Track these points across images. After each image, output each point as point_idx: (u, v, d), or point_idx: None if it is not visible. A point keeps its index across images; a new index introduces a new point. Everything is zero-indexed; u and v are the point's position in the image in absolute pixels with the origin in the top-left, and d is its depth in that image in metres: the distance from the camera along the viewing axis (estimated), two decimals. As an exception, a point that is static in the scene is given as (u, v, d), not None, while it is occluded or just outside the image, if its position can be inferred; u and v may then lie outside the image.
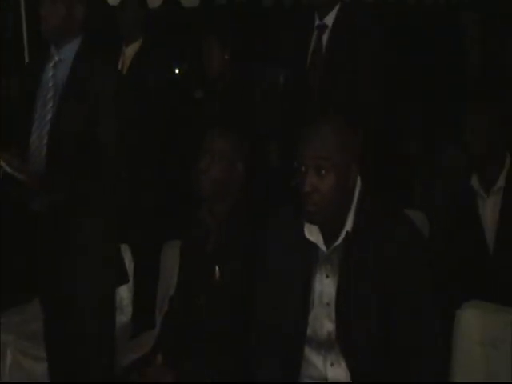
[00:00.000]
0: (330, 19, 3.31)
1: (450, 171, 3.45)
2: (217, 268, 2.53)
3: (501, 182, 2.76)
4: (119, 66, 3.75)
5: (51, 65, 2.72)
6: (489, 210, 2.78)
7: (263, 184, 3.41)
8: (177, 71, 4.57)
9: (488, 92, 3.45)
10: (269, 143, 3.67)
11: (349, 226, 2.08)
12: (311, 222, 2.09)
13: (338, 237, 2.08)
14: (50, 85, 2.71)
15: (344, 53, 3.26)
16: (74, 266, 2.64)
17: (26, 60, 3.91)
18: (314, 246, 2.12)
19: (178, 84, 4.13)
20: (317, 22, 3.33)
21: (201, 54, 3.92)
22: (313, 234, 2.11)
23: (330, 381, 2.13)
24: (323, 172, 2.02)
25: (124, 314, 3.26)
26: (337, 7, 3.31)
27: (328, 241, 2.10)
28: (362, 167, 2.14)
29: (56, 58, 2.72)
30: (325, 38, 3.33)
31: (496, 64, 3.79)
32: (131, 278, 3.21)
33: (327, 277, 2.11)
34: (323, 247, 2.11)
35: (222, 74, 3.85)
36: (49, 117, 2.68)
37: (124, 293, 3.26)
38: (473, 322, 2.39)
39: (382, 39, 3.33)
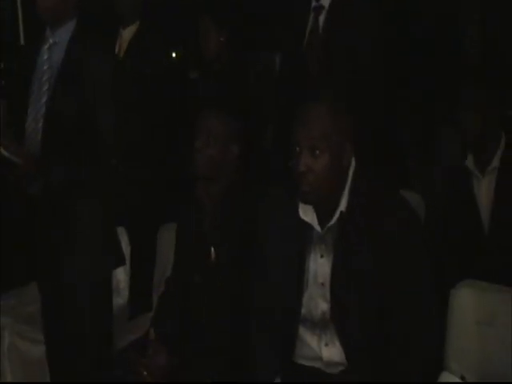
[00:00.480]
0: (326, 0, 3.29)
1: (446, 152, 3.45)
2: (212, 249, 2.54)
3: (495, 162, 2.76)
4: (116, 49, 3.73)
5: (46, 47, 2.71)
6: (484, 189, 2.78)
7: (259, 165, 3.41)
8: (174, 55, 4.55)
9: (486, 71, 3.44)
10: (265, 125, 3.66)
11: (343, 205, 2.08)
12: (306, 202, 2.09)
13: (332, 217, 2.09)
14: (45, 67, 2.70)
15: (341, 33, 3.25)
16: (70, 248, 2.64)
17: (22, 43, 3.90)
18: (308, 227, 2.13)
19: (175, 67, 4.11)
20: (313, 4, 3.31)
21: (198, 37, 3.91)
22: (307, 214, 2.12)
23: (324, 360, 2.14)
24: (317, 152, 2.03)
25: (121, 296, 3.27)
26: None
27: (322, 221, 2.11)
28: (357, 148, 2.14)
29: (51, 41, 2.71)
30: (321, 19, 3.32)
31: (495, 44, 3.78)
32: (128, 261, 3.22)
33: (322, 257, 2.12)
34: (317, 227, 2.12)
35: (218, 56, 3.84)
36: (44, 100, 2.67)
37: (121, 275, 3.28)
38: (468, 301, 2.40)
39: (378, 19, 3.31)
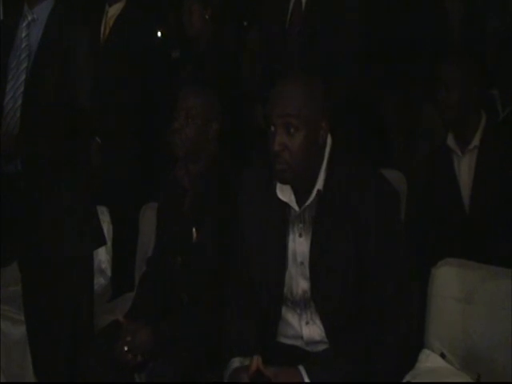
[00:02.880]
0: None
1: (427, 130, 3.45)
2: (194, 229, 2.53)
3: (476, 141, 2.76)
4: (102, 26, 3.70)
5: (25, 24, 2.68)
6: (464, 168, 2.78)
7: (238, 144, 3.41)
8: (159, 34, 4.51)
9: (466, 48, 3.44)
10: (253, 103, 3.64)
11: (320, 184, 2.07)
12: (282, 181, 2.08)
13: (309, 195, 2.08)
14: (24, 45, 2.67)
15: (323, 11, 3.24)
16: (50, 228, 2.62)
17: (1, 18, 3.84)
18: (286, 206, 2.12)
19: (159, 46, 4.07)
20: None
21: (180, 14, 3.88)
22: (285, 193, 2.11)
23: (305, 339, 2.15)
24: (292, 130, 2.01)
25: (103, 276, 3.27)
26: None
27: (300, 200, 2.10)
28: (338, 126, 2.13)
29: (29, 18, 2.68)
30: None
31: (477, 21, 3.77)
32: (109, 241, 3.21)
33: (300, 236, 2.11)
34: (295, 206, 2.11)
35: (202, 34, 3.81)
36: (23, 78, 2.64)
37: (103, 255, 3.27)
38: (448, 279, 2.40)
39: None
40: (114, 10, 3.72)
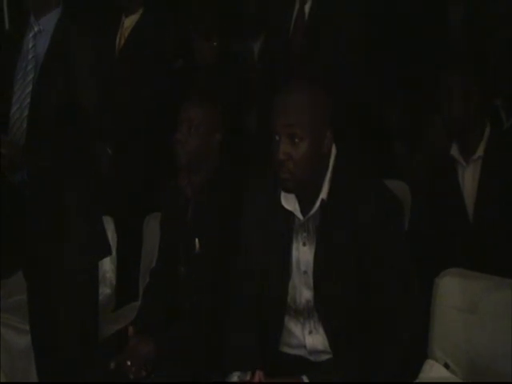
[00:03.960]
0: None
1: (432, 140, 3.45)
2: (196, 240, 2.54)
3: (480, 151, 2.76)
4: (117, 37, 3.73)
5: (31, 35, 2.71)
6: (468, 178, 2.78)
7: (241, 153, 3.42)
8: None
9: (471, 58, 3.44)
10: (247, 113, 3.67)
11: (324, 193, 2.07)
12: (286, 190, 2.09)
13: (314, 204, 2.08)
14: (30, 56, 2.69)
15: (326, 22, 3.25)
16: (56, 238, 2.63)
17: (6, 28, 3.87)
18: (290, 215, 2.12)
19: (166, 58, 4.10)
20: (299, -8, 3.32)
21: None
22: (289, 202, 2.12)
23: (308, 348, 2.15)
24: (296, 140, 2.01)
25: (107, 286, 3.27)
26: None
27: (304, 209, 2.11)
28: (342, 136, 2.14)
29: (36, 29, 2.70)
30: (307, 7, 3.33)
31: (481, 31, 3.78)
32: (114, 250, 3.22)
33: (304, 245, 2.11)
34: (299, 215, 2.11)
35: (213, 57, 3.85)
36: (29, 89, 2.66)
37: (107, 265, 3.27)
38: (451, 289, 2.40)
39: (364, 8, 3.32)
40: (129, 22, 3.76)
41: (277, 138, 2.03)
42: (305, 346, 2.15)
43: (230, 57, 3.87)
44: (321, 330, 2.12)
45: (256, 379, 2.01)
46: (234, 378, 2.08)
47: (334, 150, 2.11)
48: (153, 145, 3.64)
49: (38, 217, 2.64)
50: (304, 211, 2.11)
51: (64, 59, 2.63)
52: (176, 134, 2.53)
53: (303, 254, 2.12)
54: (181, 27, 3.92)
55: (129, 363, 2.35)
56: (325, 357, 2.13)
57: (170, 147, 2.64)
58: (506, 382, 2.22)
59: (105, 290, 3.20)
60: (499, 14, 3.69)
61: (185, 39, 3.88)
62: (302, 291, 2.13)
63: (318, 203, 2.08)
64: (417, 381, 2.27)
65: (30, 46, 2.70)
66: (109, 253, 2.90)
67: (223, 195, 2.50)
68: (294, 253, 2.13)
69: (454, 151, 2.82)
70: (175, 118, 2.61)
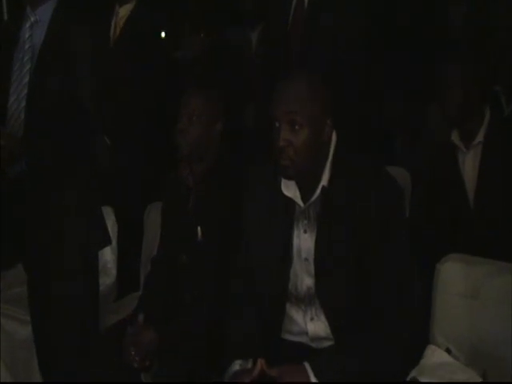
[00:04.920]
0: None
1: (432, 126, 3.45)
2: (199, 228, 2.53)
3: (480, 137, 2.76)
4: (112, 27, 3.71)
5: (28, 26, 2.69)
6: (469, 164, 2.78)
7: (241, 142, 3.42)
8: (163, 34, 4.53)
9: (470, 44, 3.43)
10: (245, 103, 3.67)
11: (325, 180, 2.07)
12: (286, 177, 2.08)
13: (314, 191, 2.08)
14: (27, 47, 2.68)
15: (325, 12, 3.24)
16: (56, 229, 2.63)
17: (5, 19, 3.85)
18: (291, 202, 2.12)
19: (163, 48, 4.09)
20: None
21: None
22: (290, 189, 2.11)
23: (310, 335, 2.15)
24: (297, 127, 2.01)
25: (108, 276, 3.26)
26: None
27: (305, 196, 2.10)
28: (343, 124, 2.13)
29: (32, 19, 2.68)
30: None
31: (480, 18, 3.77)
32: (115, 240, 3.21)
33: (305, 232, 2.11)
34: (300, 202, 2.11)
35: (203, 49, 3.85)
36: (26, 80, 2.65)
37: (108, 255, 3.26)
38: (453, 275, 2.40)
39: None
40: (124, 11, 3.73)
41: (277, 124, 2.03)
42: (306, 333, 2.15)
43: (221, 47, 3.86)
44: (322, 317, 2.12)
45: (258, 367, 2.01)
46: (236, 366, 2.09)
47: (334, 138, 2.11)
48: (153, 135, 3.63)
49: (37, 208, 2.63)
50: (305, 198, 2.11)
51: (60, 49, 2.61)
52: (177, 123, 2.53)
53: (304, 241, 2.11)
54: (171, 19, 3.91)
55: (133, 352, 2.35)
56: (326, 343, 2.13)
57: (170, 137, 2.64)
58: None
59: (106, 280, 3.19)
60: (499, 2, 3.68)
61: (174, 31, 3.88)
62: (304, 278, 2.13)
63: (318, 190, 2.08)
64: (419, 366, 2.27)
65: (27, 36, 2.68)
66: (108, 243, 2.89)
67: (224, 184, 2.50)
68: (295, 240, 2.12)
69: (455, 137, 2.82)
70: (175, 108, 2.60)
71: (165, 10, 3.92)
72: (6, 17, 3.87)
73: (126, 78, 3.55)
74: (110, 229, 2.97)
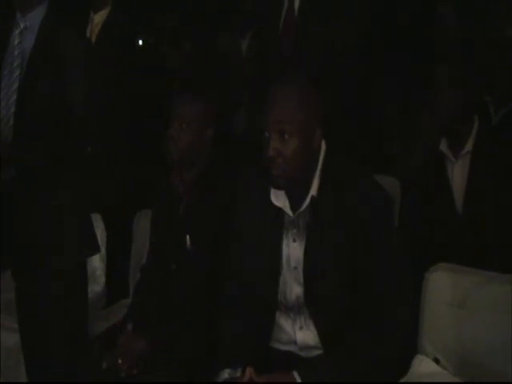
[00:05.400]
0: None
1: (421, 136, 3.46)
2: (188, 237, 2.53)
3: (469, 146, 2.77)
4: (88, 34, 3.70)
5: (17, 32, 2.68)
6: (457, 173, 2.79)
7: (230, 150, 3.41)
8: (140, 43, 4.52)
9: (461, 53, 3.45)
10: (236, 109, 3.67)
11: (314, 190, 2.08)
12: (276, 187, 2.09)
13: (303, 201, 2.08)
14: (17, 53, 2.67)
15: (316, 17, 3.25)
16: (44, 236, 2.62)
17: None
18: (280, 211, 2.12)
19: (141, 56, 4.08)
20: (288, -13, 3.31)
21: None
22: (279, 199, 2.12)
23: (299, 344, 2.15)
24: (286, 136, 2.02)
25: (97, 283, 3.26)
26: None
27: (294, 205, 2.11)
28: (332, 132, 2.14)
29: (22, 26, 2.67)
30: (296, 3, 3.32)
31: (471, 27, 3.79)
32: (104, 248, 3.20)
33: (294, 241, 2.12)
34: (289, 212, 2.11)
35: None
36: (15, 86, 2.64)
37: (97, 262, 3.26)
38: (441, 284, 2.40)
39: (354, 2, 3.32)
40: (99, 17, 3.73)
41: (267, 134, 2.03)
42: (295, 342, 2.15)
43: (209, 53, 3.87)
44: (311, 326, 2.13)
45: (246, 375, 2.01)
46: (225, 374, 2.09)
47: (323, 147, 2.11)
48: (140, 141, 3.63)
49: (25, 215, 2.61)
50: (294, 208, 2.11)
51: (50, 55, 2.61)
52: (168, 130, 2.52)
53: (293, 250, 2.12)
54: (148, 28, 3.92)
55: (120, 361, 2.34)
56: (315, 352, 2.13)
57: (159, 143, 2.63)
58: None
59: (94, 288, 3.19)
60: (487, 12, 3.71)
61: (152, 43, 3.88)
62: (293, 287, 2.13)
63: (307, 200, 2.08)
64: (407, 376, 2.27)
65: (16, 42, 2.68)
66: (97, 250, 2.88)
67: (214, 192, 2.49)
68: (285, 249, 2.13)
69: (443, 146, 2.83)
70: (162, 114, 2.59)
71: (142, 16, 3.93)
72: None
73: (103, 83, 3.54)
74: (98, 236, 2.96)
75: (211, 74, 3.72)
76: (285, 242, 2.12)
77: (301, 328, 2.14)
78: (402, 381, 2.23)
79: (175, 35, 3.86)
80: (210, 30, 3.90)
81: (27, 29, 2.66)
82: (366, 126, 3.56)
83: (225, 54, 4.01)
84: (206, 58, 3.82)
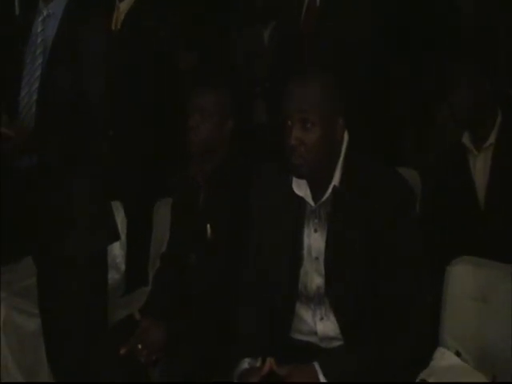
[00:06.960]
0: None
1: (442, 128, 3.44)
2: (208, 226, 2.53)
3: (492, 139, 2.75)
4: (113, 21, 3.71)
5: (40, 20, 2.69)
6: (480, 166, 2.77)
7: (252, 140, 3.42)
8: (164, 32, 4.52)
9: (482, 46, 3.42)
10: (256, 100, 3.66)
11: (336, 180, 2.07)
12: (297, 175, 2.08)
13: (325, 191, 2.08)
14: (39, 41, 2.68)
15: (337, 11, 3.23)
16: (65, 223, 2.63)
17: (17, 12, 3.86)
18: (302, 201, 2.12)
19: (164, 44, 4.09)
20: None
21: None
22: (301, 188, 2.11)
23: (319, 335, 2.14)
24: (308, 125, 2.01)
25: (117, 271, 3.27)
26: None
27: (316, 195, 2.10)
28: (353, 124, 2.13)
29: (45, 13, 2.68)
30: None
31: (490, 20, 3.76)
32: (124, 236, 3.22)
33: (315, 231, 2.11)
34: (311, 202, 2.11)
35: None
36: (38, 73, 2.65)
37: (117, 250, 3.28)
38: (463, 277, 2.40)
39: None
40: (124, 5, 3.73)
41: (289, 123, 2.03)
42: (316, 333, 2.15)
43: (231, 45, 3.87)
44: (332, 317, 2.12)
45: (267, 366, 2.01)
46: (245, 364, 2.09)
47: (346, 137, 2.10)
48: (160, 130, 3.63)
49: (46, 201, 2.63)
50: (315, 198, 2.10)
51: (72, 43, 2.61)
52: (188, 121, 2.52)
53: (314, 240, 2.11)
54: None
55: (140, 347, 2.35)
56: (336, 343, 2.12)
57: (180, 132, 2.63)
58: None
59: (114, 275, 3.21)
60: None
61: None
62: (314, 278, 2.12)
63: (329, 190, 2.07)
64: (428, 368, 2.26)
65: (39, 30, 2.68)
66: (117, 238, 2.89)
67: (235, 182, 2.49)
68: (306, 239, 2.12)
69: (465, 139, 2.81)
70: (180, 104, 2.59)
71: (167, 6, 3.92)
72: (17, 10, 3.87)
73: (127, 71, 3.54)
74: (119, 224, 2.98)
75: (231, 65, 3.72)
76: (306, 232, 2.12)
77: (321, 319, 2.14)
78: (422, 373, 2.22)
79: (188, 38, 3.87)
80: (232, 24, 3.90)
81: (50, 16, 2.67)
82: (385, 117, 3.54)
83: (247, 43, 4.00)
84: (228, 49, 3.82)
